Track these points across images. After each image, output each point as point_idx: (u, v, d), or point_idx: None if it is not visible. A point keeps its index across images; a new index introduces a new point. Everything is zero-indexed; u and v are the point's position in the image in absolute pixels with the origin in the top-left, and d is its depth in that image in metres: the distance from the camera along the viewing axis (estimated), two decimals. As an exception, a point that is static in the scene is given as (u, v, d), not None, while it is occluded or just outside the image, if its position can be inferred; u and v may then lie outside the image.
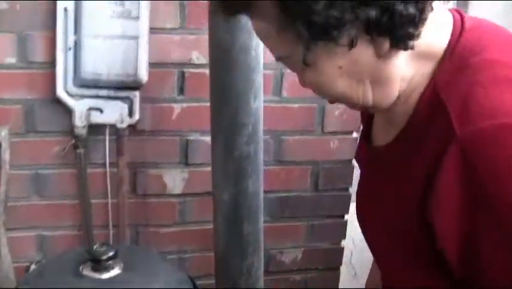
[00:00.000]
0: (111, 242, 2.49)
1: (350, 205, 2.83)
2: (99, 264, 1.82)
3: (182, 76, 2.42)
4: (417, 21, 1.06)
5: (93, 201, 2.46)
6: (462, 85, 1.07)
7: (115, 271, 1.84)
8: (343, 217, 2.84)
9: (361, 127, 1.47)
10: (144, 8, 2.20)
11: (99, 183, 2.46)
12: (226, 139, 2.03)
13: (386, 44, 1.08)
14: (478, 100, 1.04)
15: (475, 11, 4.35)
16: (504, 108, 1.02)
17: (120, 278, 1.84)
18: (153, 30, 2.29)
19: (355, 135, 2.69)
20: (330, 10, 1.02)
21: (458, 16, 1.19)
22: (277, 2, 1.06)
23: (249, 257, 2.15)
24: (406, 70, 1.15)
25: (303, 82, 1.20)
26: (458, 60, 1.11)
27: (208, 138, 2.25)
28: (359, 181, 1.44)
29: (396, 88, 1.16)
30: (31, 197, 2.44)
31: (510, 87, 1.05)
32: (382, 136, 1.29)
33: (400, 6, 1.03)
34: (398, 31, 1.06)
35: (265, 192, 2.43)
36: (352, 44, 1.07)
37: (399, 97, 1.18)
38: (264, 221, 2.44)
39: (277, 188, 2.68)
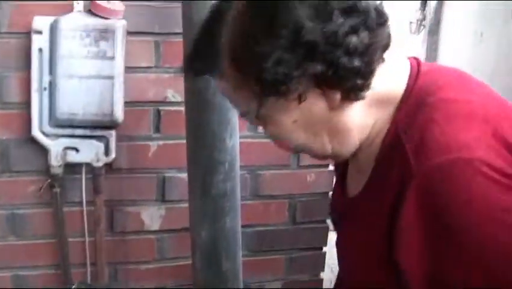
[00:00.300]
0: (89, 280, 2.47)
1: (328, 236, 2.84)
2: (77, 306, 1.82)
3: (158, 114, 2.42)
4: (364, 73, 1.11)
5: (70, 240, 2.45)
6: (418, 124, 1.12)
7: (94, 313, 1.84)
8: (321, 248, 2.85)
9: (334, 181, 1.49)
10: (119, 48, 2.20)
11: (76, 222, 2.45)
12: (202, 178, 2.03)
13: (337, 97, 1.13)
14: (433, 137, 1.08)
15: (446, 41, 4.41)
16: (458, 143, 1.07)
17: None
18: (128, 69, 2.30)
19: (330, 168, 2.70)
20: (278, 67, 1.07)
21: (414, 62, 1.24)
22: (233, 61, 1.12)
23: (228, 294, 2.15)
24: (365, 119, 1.19)
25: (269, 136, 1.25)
26: (415, 101, 1.16)
27: (184, 175, 2.25)
28: (337, 234, 1.45)
29: (355, 137, 1.21)
30: (7, 237, 2.41)
31: (463, 123, 1.10)
32: (355, 186, 1.31)
33: (344, 60, 1.08)
34: (346, 83, 1.11)
35: (243, 226, 2.43)
36: (301, 99, 1.12)
37: (362, 144, 1.22)
38: (243, 256, 2.45)
39: (255, 222, 2.68)
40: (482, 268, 1.06)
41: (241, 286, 2.21)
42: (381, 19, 1.13)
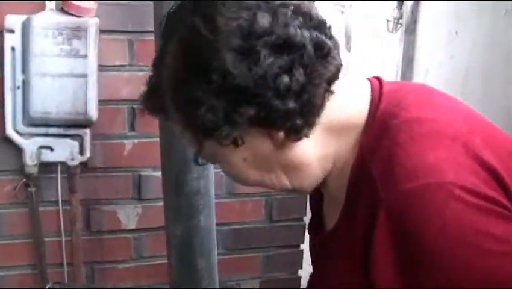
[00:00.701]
0: (66, 280, 2.47)
1: (306, 234, 2.85)
2: (51, 304, 1.82)
3: (132, 112, 2.42)
4: (303, 112, 1.07)
5: (46, 239, 2.44)
6: (383, 149, 1.08)
7: (68, 311, 1.84)
8: (299, 246, 2.85)
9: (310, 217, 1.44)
10: (92, 46, 2.20)
11: (52, 221, 2.44)
12: (176, 176, 2.03)
13: (280, 136, 1.09)
14: (399, 162, 1.04)
15: (423, 40, 4.45)
16: (426, 166, 1.03)
17: (73, 317, 1.84)
18: (102, 67, 2.30)
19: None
20: (209, 114, 1.05)
21: (376, 83, 1.20)
22: (173, 105, 1.11)
23: (203, 291, 2.15)
24: (324, 149, 1.15)
25: None
26: (379, 125, 1.12)
27: (160, 174, 2.24)
28: (314, 271, 1.41)
29: (314, 169, 1.17)
30: (-17, 238, 2.41)
31: (430, 143, 1.06)
32: (330, 218, 1.26)
33: (276, 102, 1.04)
34: (284, 124, 1.07)
35: (220, 225, 2.44)
36: (237, 143, 1.09)
37: (330, 175, 1.19)
38: (220, 254, 2.45)
39: (231, 220, 2.68)
40: None
41: (217, 284, 2.21)
42: (322, 52, 1.08)
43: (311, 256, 1.41)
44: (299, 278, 2.91)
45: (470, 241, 1.00)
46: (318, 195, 1.33)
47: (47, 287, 1.83)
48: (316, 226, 1.37)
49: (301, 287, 2.93)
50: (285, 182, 1.18)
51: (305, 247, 2.84)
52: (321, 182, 1.21)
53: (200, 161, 1.22)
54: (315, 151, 1.15)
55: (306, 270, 3.00)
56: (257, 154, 1.13)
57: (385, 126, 1.10)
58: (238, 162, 1.14)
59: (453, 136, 1.07)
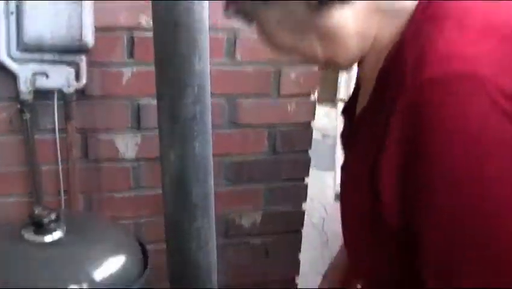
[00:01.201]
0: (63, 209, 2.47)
1: (310, 168, 2.83)
2: (40, 227, 1.82)
3: (131, 40, 2.38)
4: None
5: (43, 168, 2.43)
6: (425, 33, 0.98)
7: (58, 234, 1.83)
8: (303, 179, 2.83)
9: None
10: (88, -29, 2.17)
11: (49, 149, 2.42)
12: (171, 101, 2.00)
13: None
14: (435, 48, 0.94)
15: None
16: (462, 56, 0.92)
17: (63, 241, 1.84)
18: (99, -7, 2.26)
19: (312, 98, 2.67)
20: None
21: None
22: None
23: (198, 220, 2.12)
24: (365, 27, 1.09)
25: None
26: (428, 13, 1.03)
27: (159, 102, 2.22)
28: (342, 164, 1.33)
29: (351, 44, 1.11)
30: (-21, 165, 2.40)
31: (476, 33, 0.95)
32: (361, 106, 1.20)
33: None
34: None
35: (221, 156, 2.43)
36: None
37: (367, 55, 1.14)
38: (222, 185, 2.43)
39: (233, 151, 2.66)
40: (464, 211, 0.92)
41: (212, 213, 2.19)
42: None
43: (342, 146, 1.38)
44: (303, 212, 2.89)
45: (487, 148, 0.90)
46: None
47: (35, 212, 1.82)
48: (349, 111, 1.33)
49: (315, 224, 2.92)
50: (318, 50, 1.12)
51: (321, 184, 2.82)
52: (358, 63, 1.18)
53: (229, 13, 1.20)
54: (356, 26, 1.08)
55: (310, 205, 2.99)
56: (291, 16, 1.09)
57: (434, 15, 1.01)
58: (272, 23, 1.12)
59: (505, 34, 0.96)
